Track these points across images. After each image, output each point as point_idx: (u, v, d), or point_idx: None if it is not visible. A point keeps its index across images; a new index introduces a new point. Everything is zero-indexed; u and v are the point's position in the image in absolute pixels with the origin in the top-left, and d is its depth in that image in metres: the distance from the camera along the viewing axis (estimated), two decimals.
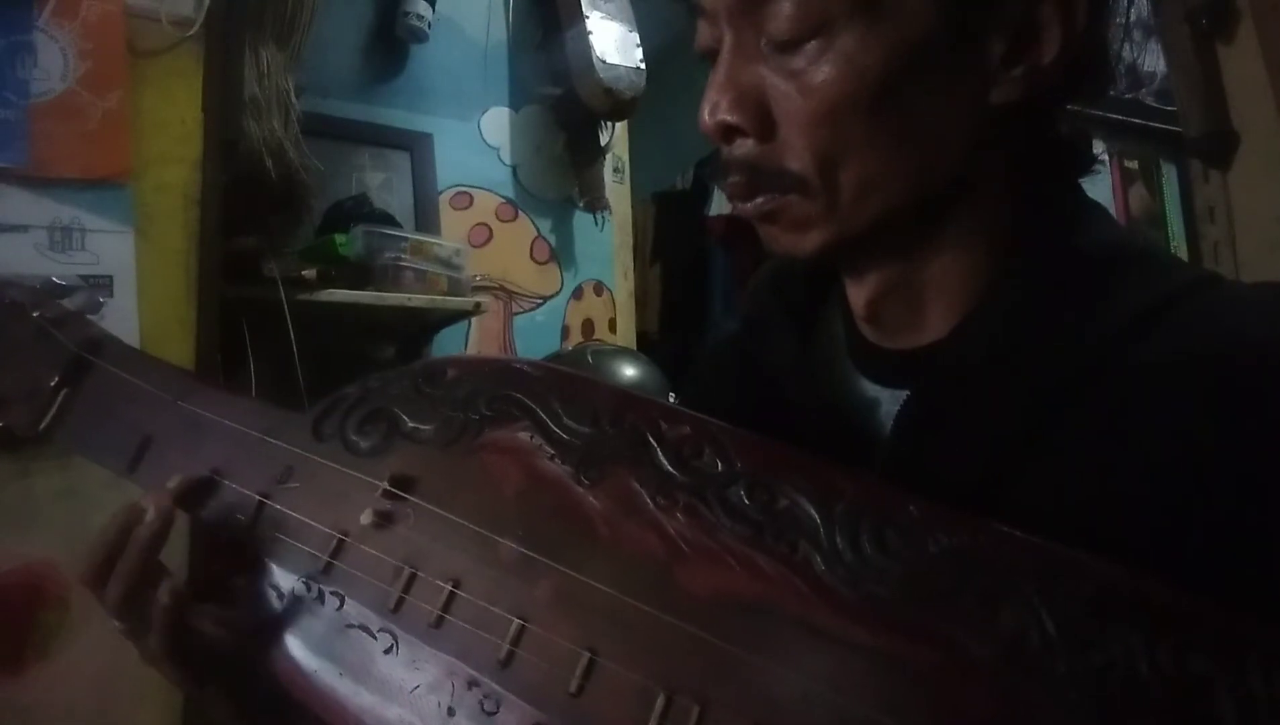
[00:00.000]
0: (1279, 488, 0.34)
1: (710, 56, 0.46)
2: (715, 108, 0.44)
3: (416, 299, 1.52)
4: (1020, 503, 0.38)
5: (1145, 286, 0.41)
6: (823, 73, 0.41)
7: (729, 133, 0.44)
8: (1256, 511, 0.34)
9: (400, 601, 0.42)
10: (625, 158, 2.18)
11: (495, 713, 0.39)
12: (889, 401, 0.47)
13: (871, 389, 0.48)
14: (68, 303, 0.58)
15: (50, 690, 1.01)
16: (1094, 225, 0.45)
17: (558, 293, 2.01)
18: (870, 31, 0.40)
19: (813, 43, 0.41)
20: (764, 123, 0.43)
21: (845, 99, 0.41)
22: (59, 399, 0.53)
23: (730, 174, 0.45)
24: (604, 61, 1.84)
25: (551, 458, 0.43)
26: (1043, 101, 0.43)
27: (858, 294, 0.49)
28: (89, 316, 0.58)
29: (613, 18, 1.89)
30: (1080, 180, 0.48)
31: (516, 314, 1.95)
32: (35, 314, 0.55)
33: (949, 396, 0.43)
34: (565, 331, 2.01)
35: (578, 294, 2.04)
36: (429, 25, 1.76)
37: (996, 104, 0.42)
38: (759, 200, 0.45)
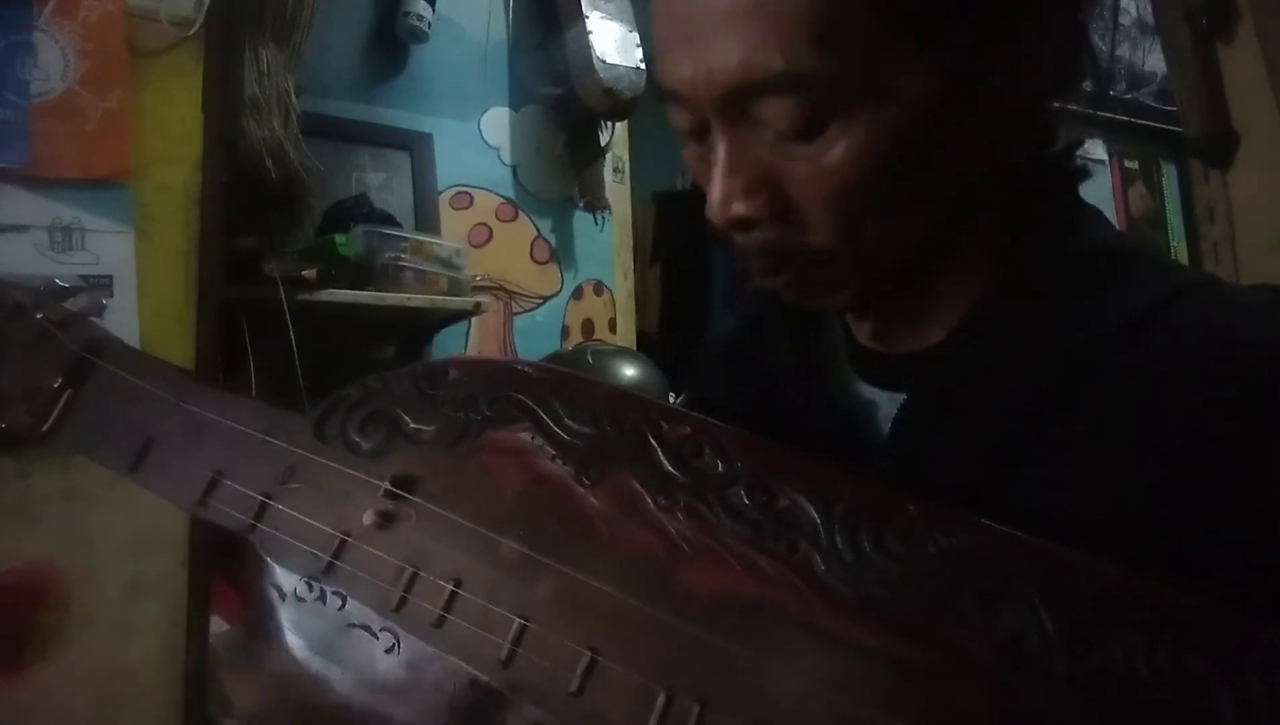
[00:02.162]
0: (1275, 489, 0.34)
1: (693, 135, 0.44)
2: (727, 201, 0.42)
3: (416, 299, 1.52)
4: (1017, 505, 0.38)
5: (1142, 289, 0.41)
6: (837, 156, 0.39)
7: (745, 224, 0.42)
8: (1254, 512, 0.35)
9: (402, 601, 0.43)
10: (625, 158, 2.18)
11: None
12: (887, 404, 0.47)
13: (869, 392, 0.48)
14: (70, 304, 0.57)
15: (50, 690, 1.01)
16: (1091, 229, 0.46)
17: (558, 293, 2.01)
18: (880, 110, 0.38)
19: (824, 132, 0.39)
20: (780, 207, 0.42)
21: (866, 177, 0.39)
22: (62, 400, 0.53)
23: (750, 260, 0.44)
24: (604, 61, 1.84)
25: (552, 458, 0.43)
26: (1036, 104, 0.44)
27: (862, 323, 0.50)
28: (91, 318, 0.58)
29: (613, 18, 1.89)
30: (1078, 185, 0.48)
31: (516, 314, 1.96)
32: (38, 315, 0.55)
33: (946, 399, 0.43)
34: (565, 331, 2.01)
35: (578, 294, 2.04)
36: (429, 25, 1.76)
37: (1002, 131, 0.42)
38: (784, 276, 0.44)
